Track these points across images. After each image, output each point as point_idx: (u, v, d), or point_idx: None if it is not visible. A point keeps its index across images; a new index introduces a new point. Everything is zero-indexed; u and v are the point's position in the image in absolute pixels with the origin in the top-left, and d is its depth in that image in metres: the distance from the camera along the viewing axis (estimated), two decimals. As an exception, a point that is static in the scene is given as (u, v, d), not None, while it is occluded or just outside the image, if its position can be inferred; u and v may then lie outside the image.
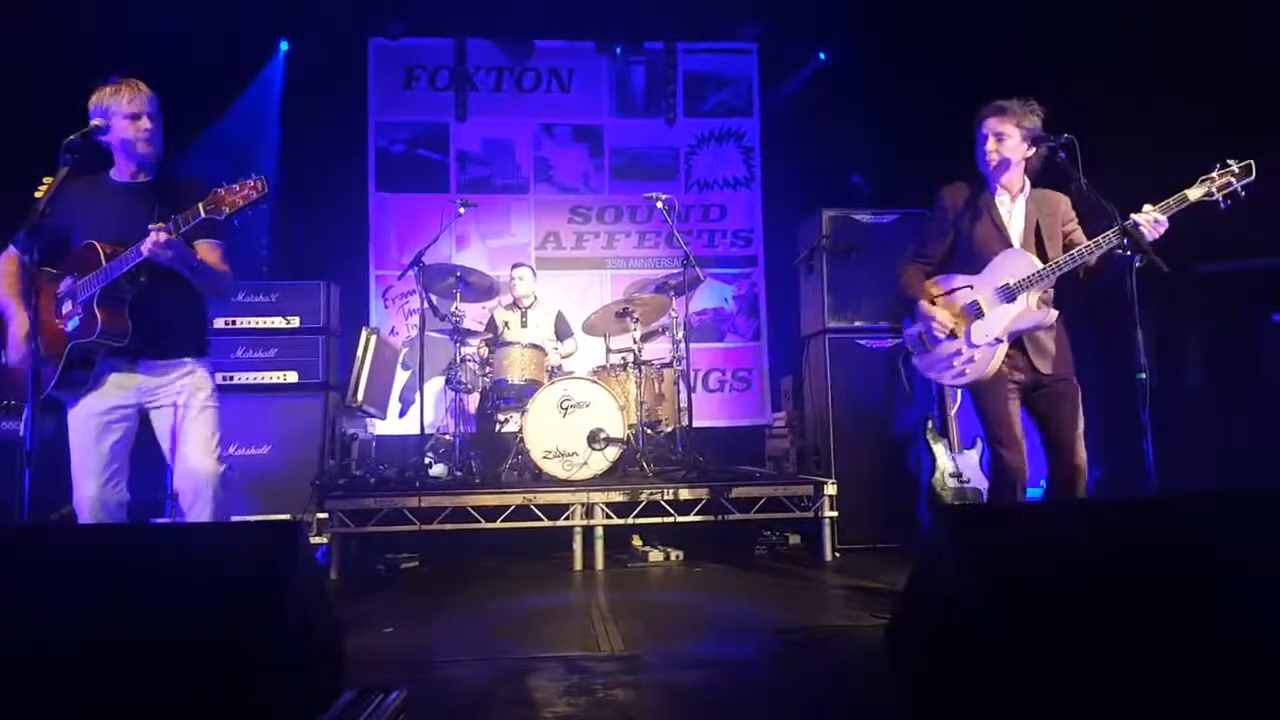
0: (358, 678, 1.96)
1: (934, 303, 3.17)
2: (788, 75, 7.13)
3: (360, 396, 5.14)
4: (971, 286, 3.12)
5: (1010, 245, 3.08)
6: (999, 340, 3.02)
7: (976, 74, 5.54)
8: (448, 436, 5.33)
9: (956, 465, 4.38)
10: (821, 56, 7.08)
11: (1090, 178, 2.82)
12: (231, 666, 1.35)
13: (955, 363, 3.11)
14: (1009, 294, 3.01)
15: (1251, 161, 2.78)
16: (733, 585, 4.05)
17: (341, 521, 4.36)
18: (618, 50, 7.03)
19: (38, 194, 2.56)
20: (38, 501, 2.42)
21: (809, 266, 5.28)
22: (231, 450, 4.63)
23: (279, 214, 6.35)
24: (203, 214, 2.59)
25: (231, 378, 4.88)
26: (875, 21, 6.52)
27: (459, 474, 5.01)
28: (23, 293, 2.66)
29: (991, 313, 3.05)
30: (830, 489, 4.61)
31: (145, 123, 2.79)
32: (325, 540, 4.38)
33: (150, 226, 2.58)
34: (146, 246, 2.58)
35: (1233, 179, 2.77)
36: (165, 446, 2.85)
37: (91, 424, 2.75)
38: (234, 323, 4.98)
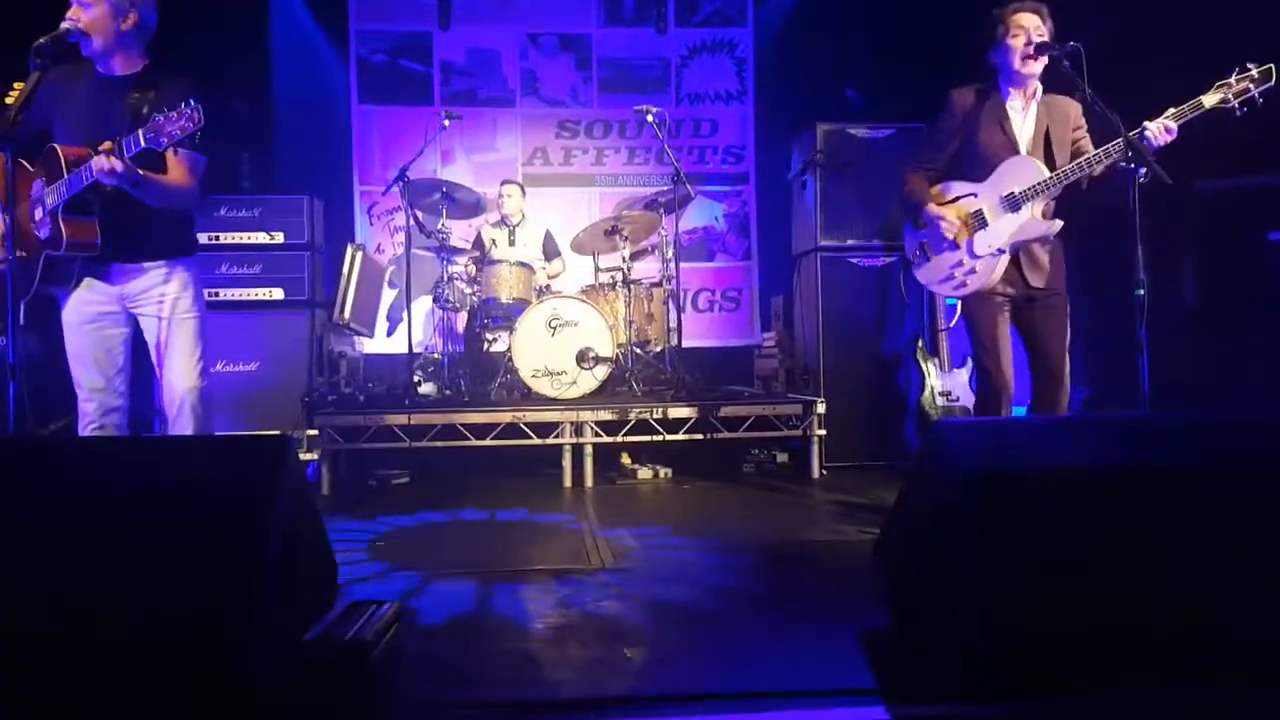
0: (351, 593, 1.98)
1: (937, 209, 3.07)
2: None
3: (347, 314, 5.09)
4: (975, 195, 3.03)
5: (1017, 152, 2.99)
6: (1001, 251, 2.97)
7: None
8: (436, 355, 5.31)
9: (946, 384, 4.41)
10: None
11: (1094, 88, 2.74)
12: (223, 580, 1.35)
13: (956, 273, 3.04)
14: (1014, 203, 2.94)
15: (1272, 66, 2.69)
16: (721, 502, 4.11)
17: (332, 438, 4.37)
18: None
19: (9, 99, 2.45)
20: (24, 417, 2.40)
21: (802, 183, 5.19)
22: (219, 367, 4.59)
23: (261, 126, 6.15)
24: (142, 143, 2.45)
25: (216, 294, 4.81)
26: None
27: (448, 392, 5.01)
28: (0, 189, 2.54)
29: (995, 222, 2.98)
30: (819, 408, 4.64)
31: (74, 11, 2.61)
32: (315, 457, 4.40)
33: (99, 149, 2.46)
34: (95, 168, 2.47)
35: (1251, 85, 2.68)
36: (154, 358, 2.82)
37: (83, 330, 2.74)
38: (217, 238, 4.88)
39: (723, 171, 6.94)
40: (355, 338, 5.65)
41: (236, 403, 4.61)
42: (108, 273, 2.74)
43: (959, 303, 3.06)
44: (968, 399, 4.40)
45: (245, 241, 4.92)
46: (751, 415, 4.64)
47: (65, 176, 2.57)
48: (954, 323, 3.11)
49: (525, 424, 4.46)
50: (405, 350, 4.91)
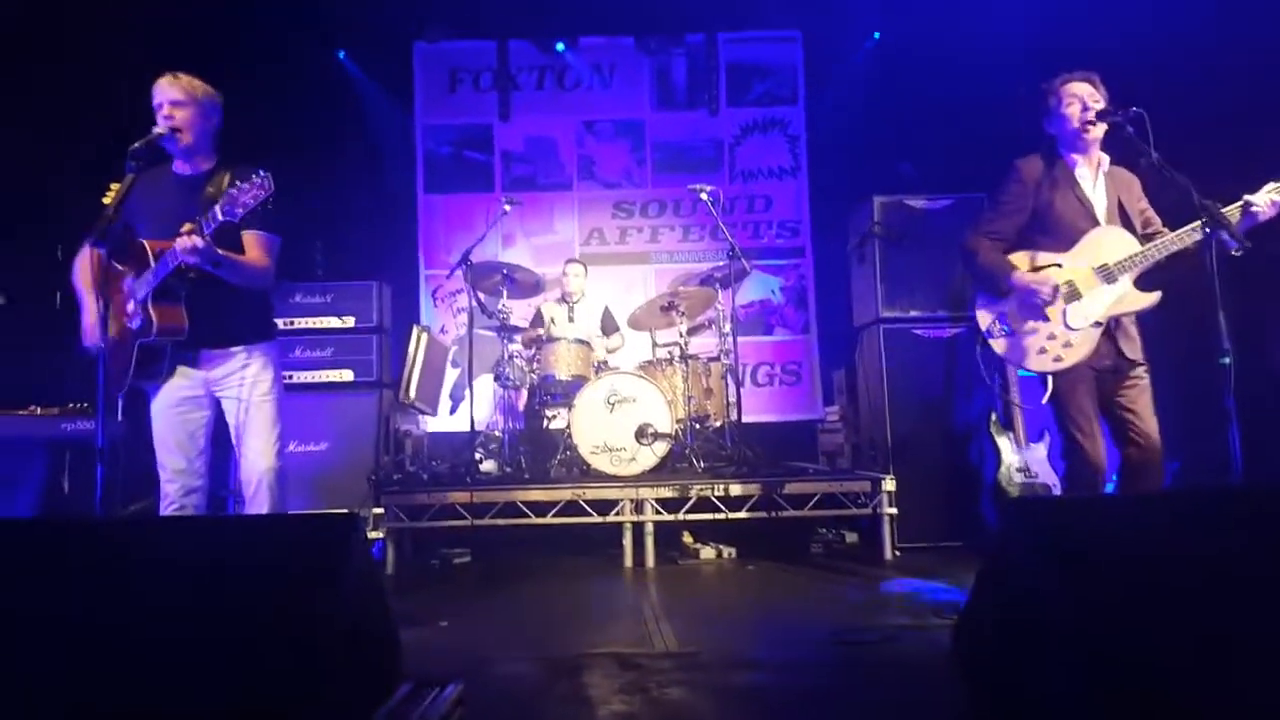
0: (414, 671, 1.95)
1: (1026, 279, 2.90)
2: (833, 62, 6.98)
3: (413, 393, 5.19)
4: (1060, 265, 2.90)
5: (1098, 222, 2.91)
6: (1098, 324, 2.85)
7: (1025, 56, 5.40)
8: (497, 433, 5.36)
9: (1023, 459, 4.24)
10: (876, 36, 6.91)
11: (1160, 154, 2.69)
12: (289, 658, 1.34)
13: (1050, 346, 2.87)
14: (1109, 275, 2.84)
15: None
16: (788, 584, 3.98)
17: (397, 516, 4.40)
18: (651, 45, 6.95)
19: (106, 199, 2.62)
20: (110, 497, 2.47)
21: (860, 255, 5.17)
22: (291, 447, 4.70)
23: (333, 216, 6.44)
24: (220, 217, 2.59)
25: (290, 377, 4.96)
26: (921, 5, 6.36)
27: (509, 469, 5.03)
28: (96, 283, 2.73)
29: (1090, 294, 2.85)
30: (889, 484, 4.50)
31: (165, 111, 2.79)
32: (381, 535, 4.42)
33: (181, 229, 2.60)
34: (180, 248, 2.60)
35: None
36: (233, 438, 2.91)
37: (169, 414, 2.85)
38: (291, 323, 5.08)
39: (778, 246, 6.98)
40: (420, 416, 5.74)
41: (306, 482, 4.71)
42: (196, 359, 2.86)
43: (1049, 377, 2.93)
44: (1046, 475, 4.22)
45: (317, 326, 5.11)
46: (817, 492, 4.53)
47: (153, 266, 2.71)
48: (1046, 399, 2.95)
49: (585, 501, 4.43)
50: (468, 428, 4.97)
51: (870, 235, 4.97)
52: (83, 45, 5.06)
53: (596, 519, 4.43)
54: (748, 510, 4.50)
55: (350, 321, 5.13)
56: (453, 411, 6.30)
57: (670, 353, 5.25)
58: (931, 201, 5.00)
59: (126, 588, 1.45)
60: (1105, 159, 2.98)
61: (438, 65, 7.05)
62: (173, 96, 2.80)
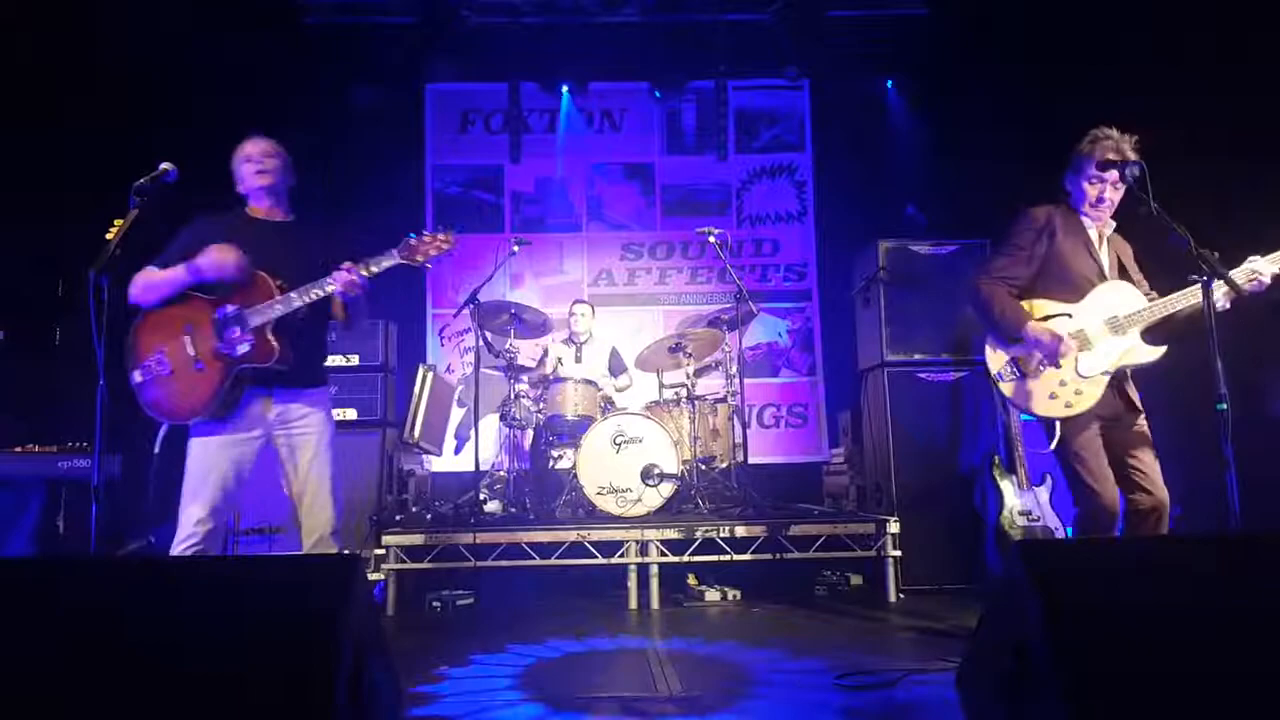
0: (415, 715, 1.94)
1: (1039, 327, 2.97)
2: (840, 109, 7.09)
3: (417, 433, 5.20)
4: (1070, 315, 2.99)
5: (1105, 278, 3.01)
6: (1107, 373, 2.94)
7: (1030, 102, 5.48)
8: (502, 473, 5.35)
9: (1025, 502, 4.22)
10: (889, 85, 7.02)
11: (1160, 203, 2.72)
12: (289, 702, 1.34)
13: (1060, 393, 2.94)
14: (1119, 327, 2.94)
15: None
16: (792, 627, 3.94)
17: (398, 557, 4.38)
18: (657, 94, 7.06)
19: (109, 235, 2.67)
20: (105, 537, 2.48)
21: (865, 299, 5.20)
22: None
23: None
24: (398, 259, 2.85)
25: (293, 415, 4.98)
26: (927, 53, 6.49)
27: (513, 510, 5.01)
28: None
29: (1101, 344, 2.95)
30: (893, 527, 4.47)
31: (263, 164, 2.98)
32: (383, 577, 4.40)
33: (343, 266, 2.81)
34: (340, 283, 2.80)
35: None
36: (286, 472, 2.93)
37: (222, 449, 2.82)
38: (296, 361, 5.09)
39: (785, 289, 7.02)
40: (424, 456, 5.74)
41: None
42: (274, 395, 2.90)
43: (1056, 423, 2.97)
44: (1050, 518, 4.20)
45: (323, 364, 5.13)
46: (822, 535, 4.50)
47: (276, 296, 2.80)
48: (1053, 446, 2.99)
49: (590, 542, 4.41)
50: (472, 468, 4.96)
51: (875, 279, 5.00)
52: (85, 81, 5.15)
53: (601, 561, 4.40)
54: (753, 552, 4.47)
55: (355, 360, 5.15)
56: (457, 451, 6.30)
57: (677, 394, 5.26)
58: (937, 247, 5.04)
59: (120, 630, 1.45)
60: (1112, 223, 3.08)
61: (449, 106, 7.18)
62: (266, 150, 3.00)
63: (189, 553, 2.78)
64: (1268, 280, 2.81)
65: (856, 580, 4.80)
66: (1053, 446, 2.97)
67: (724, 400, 5.36)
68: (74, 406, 3.55)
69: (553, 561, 4.41)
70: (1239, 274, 2.78)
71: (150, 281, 2.86)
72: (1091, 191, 2.99)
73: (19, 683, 1.36)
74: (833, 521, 4.62)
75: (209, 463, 2.81)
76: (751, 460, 5.08)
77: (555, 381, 5.32)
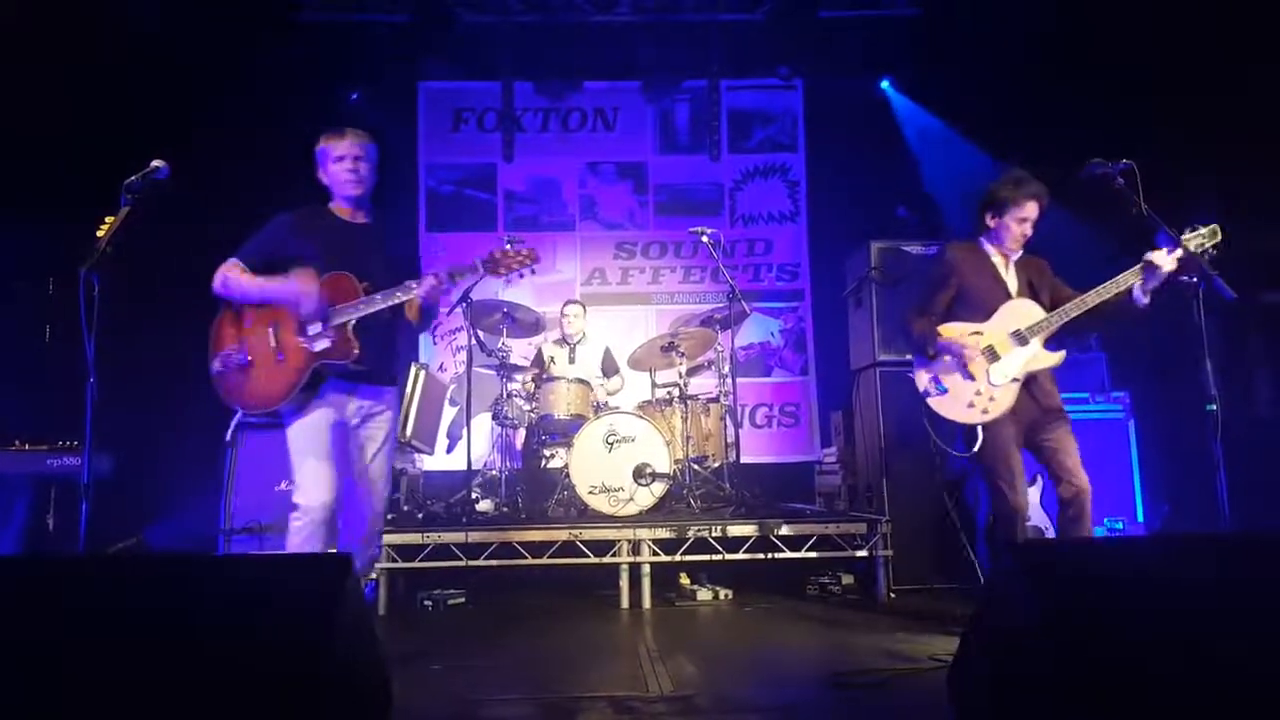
0: (405, 715, 1.93)
1: (952, 345, 3.34)
2: (833, 110, 7.09)
3: (409, 432, 5.18)
4: (982, 332, 3.34)
5: (1010, 297, 3.37)
6: (1016, 380, 3.28)
7: (1017, 104, 5.51)
8: (494, 472, 5.34)
9: (1015, 502, 4.23)
10: (884, 84, 7.03)
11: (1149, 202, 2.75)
12: (280, 702, 1.33)
13: (977, 401, 3.29)
14: (1022, 338, 3.29)
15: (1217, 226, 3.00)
16: (784, 626, 3.94)
17: (390, 556, 4.37)
18: (654, 91, 7.06)
19: (99, 233, 2.66)
20: (96, 534, 2.47)
21: (857, 299, 5.21)
22: (283, 486, 4.68)
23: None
24: (482, 271, 2.95)
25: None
26: (919, 56, 6.51)
27: (505, 509, 5.00)
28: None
29: (1007, 355, 3.29)
30: (885, 527, 4.49)
31: (354, 165, 2.98)
32: (374, 576, 4.39)
33: (430, 273, 2.89)
34: (425, 288, 2.87)
35: (1204, 240, 3.00)
36: (354, 464, 2.98)
37: (320, 436, 2.88)
38: (287, 360, 5.06)
39: (778, 289, 7.03)
40: (416, 455, 5.72)
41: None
42: (354, 390, 2.96)
43: (978, 429, 3.29)
44: (1040, 518, 4.22)
45: (315, 362, 5.09)
46: (814, 534, 4.51)
47: (361, 297, 2.86)
48: (976, 448, 3.28)
49: (582, 542, 4.40)
50: (464, 467, 4.95)
51: (867, 279, 5.01)
52: (76, 76, 5.11)
53: (593, 560, 4.40)
54: (745, 552, 4.48)
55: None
56: (450, 450, 6.29)
57: (670, 393, 5.26)
58: (928, 247, 5.05)
59: (110, 628, 1.45)
60: (1019, 250, 3.44)
61: (442, 105, 7.16)
62: (358, 153, 2.99)
63: (305, 530, 2.83)
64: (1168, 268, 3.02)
65: (848, 579, 4.79)
66: (975, 449, 3.27)
67: (716, 400, 5.36)
68: (64, 404, 3.53)
69: (545, 561, 4.41)
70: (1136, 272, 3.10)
71: (235, 287, 2.90)
72: (1017, 230, 3.34)
73: (8, 680, 1.35)
74: (824, 521, 4.62)
75: (325, 439, 2.87)
76: (744, 460, 5.09)
77: (547, 381, 5.31)
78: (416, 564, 4.39)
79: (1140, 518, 4.69)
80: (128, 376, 3.62)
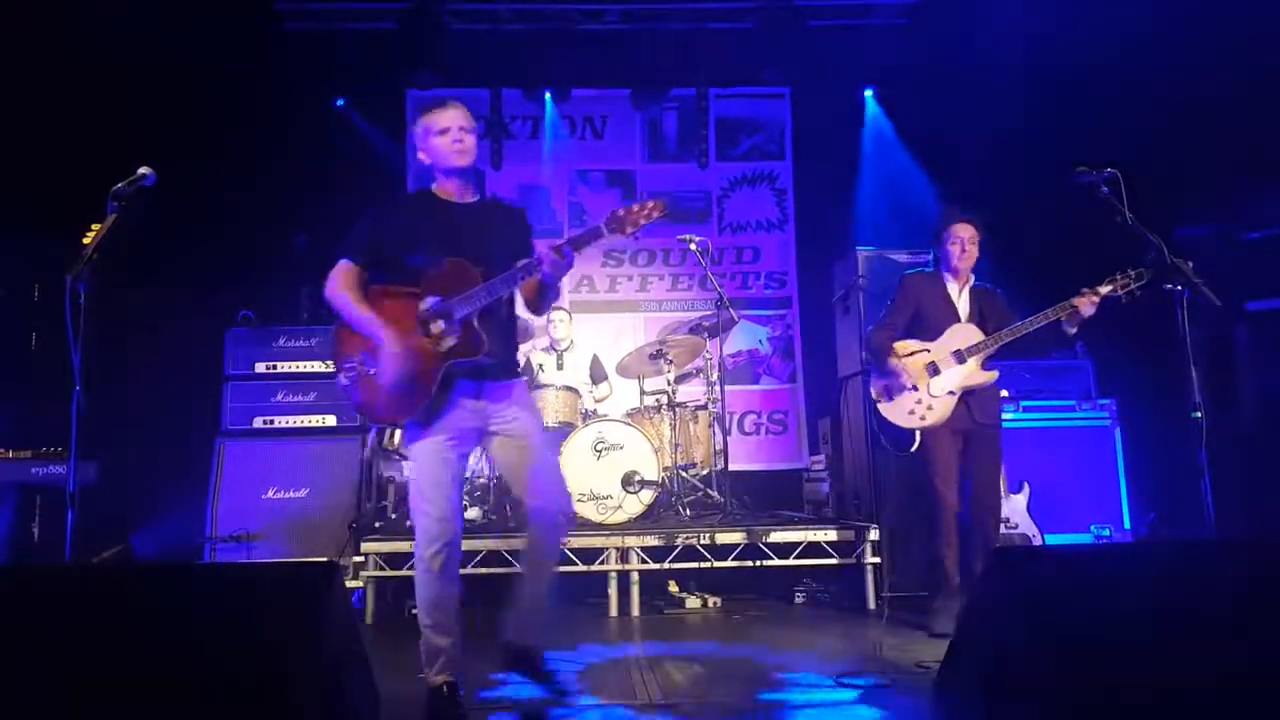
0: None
1: (900, 360, 3.85)
2: (821, 118, 7.13)
3: (396, 440, 5.16)
4: (929, 350, 3.83)
5: (959, 321, 3.85)
6: (952, 393, 3.77)
7: (1005, 115, 5.56)
8: (482, 479, 5.32)
9: (1003, 509, 4.24)
10: (868, 94, 7.07)
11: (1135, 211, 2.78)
12: (266, 708, 1.33)
13: (917, 409, 3.78)
14: (960, 357, 3.77)
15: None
16: (773, 633, 3.95)
17: (377, 565, 4.35)
18: (643, 99, 7.08)
19: (86, 240, 2.64)
20: (81, 543, 2.45)
21: (845, 307, 5.23)
22: (271, 493, 4.66)
23: (320, 259, 6.47)
24: (605, 233, 2.60)
25: (271, 421, 4.94)
26: (907, 64, 6.56)
27: (493, 517, 4.99)
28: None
29: (947, 371, 3.79)
30: (872, 534, 4.50)
31: (462, 140, 2.73)
32: (361, 584, 4.37)
33: (550, 244, 2.56)
34: (548, 263, 2.53)
35: (1131, 282, 3.47)
36: (508, 475, 2.85)
37: (438, 454, 2.64)
38: (274, 367, 5.05)
39: (766, 296, 7.06)
40: (403, 463, 5.70)
41: (286, 529, 4.64)
42: (481, 390, 2.69)
43: (917, 432, 3.80)
44: (1026, 525, 4.24)
45: (301, 370, 5.08)
46: (802, 541, 4.52)
47: (482, 284, 2.58)
48: (914, 448, 3.83)
49: (570, 549, 4.40)
50: (452, 475, 4.92)
51: (855, 287, 5.03)
52: (62, 84, 5.07)
53: (581, 568, 4.39)
54: (733, 559, 4.48)
55: (334, 365, 5.10)
56: (438, 457, 6.26)
57: (658, 400, 5.27)
58: (915, 255, 5.07)
59: (96, 637, 1.44)
60: (972, 278, 3.92)
61: (431, 113, 7.14)
62: (464, 123, 2.74)
63: (440, 555, 2.64)
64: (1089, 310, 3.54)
65: (835, 587, 4.81)
66: (914, 449, 3.81)
67: (704, 407, 5.37)
68: (50, 412, 3.50)
69: (533, 569, 4.39)
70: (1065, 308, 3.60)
71: (343, 305, 2.72)
72: (954, 250, 3.84)
73: (-11, 693, 1.34)
74: (812, 528, 4.64)
75: (434, 465, 2.63)
76: (732, 467, 5.09)
77: (536, 388, 5.31)
78: (405, 572, 4.37)
79: (1126, 524, 4.73)
80: (114, 384, 3.60)
